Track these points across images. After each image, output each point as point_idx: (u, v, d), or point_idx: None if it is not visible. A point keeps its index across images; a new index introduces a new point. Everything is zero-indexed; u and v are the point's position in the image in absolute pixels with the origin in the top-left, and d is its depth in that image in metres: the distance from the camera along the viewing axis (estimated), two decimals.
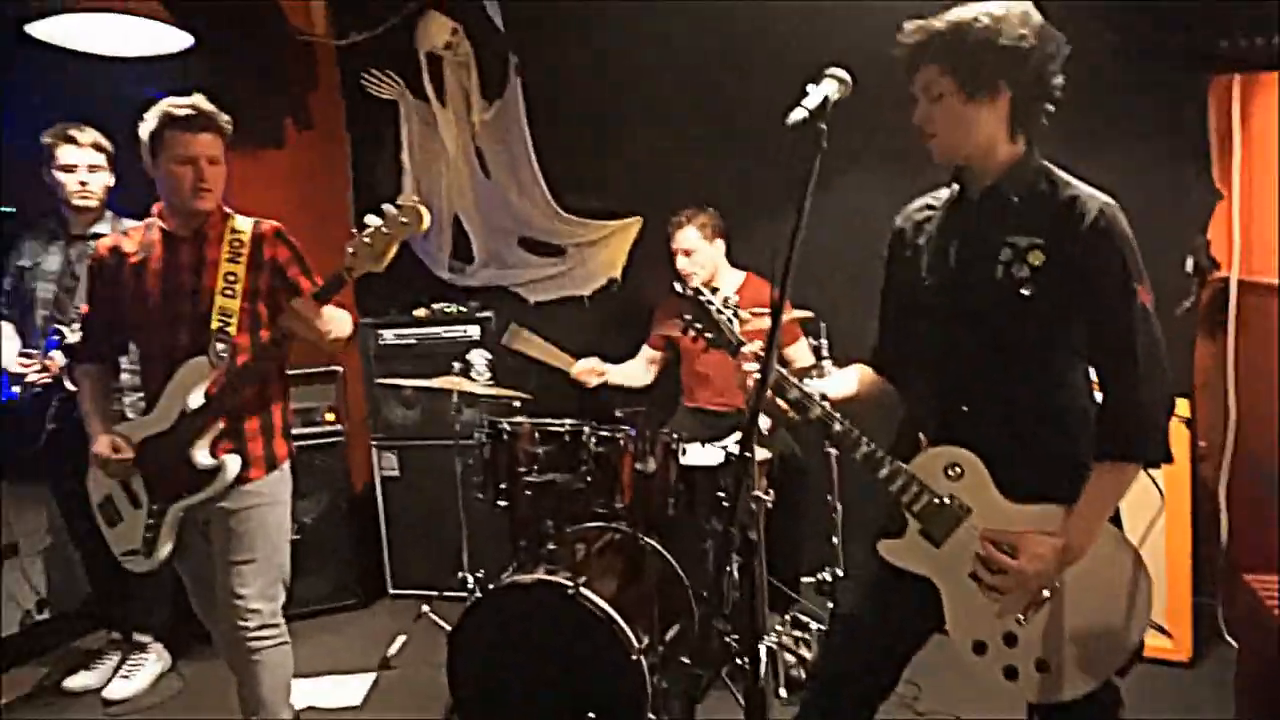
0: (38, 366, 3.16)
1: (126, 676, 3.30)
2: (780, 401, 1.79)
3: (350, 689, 3.22)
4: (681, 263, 3.41)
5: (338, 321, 2.36)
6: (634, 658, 2.42)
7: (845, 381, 1.94)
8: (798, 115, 1.49)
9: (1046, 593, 1.63)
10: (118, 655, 3.40)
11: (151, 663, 3.36)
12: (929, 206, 1.85)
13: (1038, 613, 1.64)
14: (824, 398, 1.85)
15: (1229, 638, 3.07)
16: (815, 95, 1.52)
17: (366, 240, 2.21)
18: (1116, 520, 1.67)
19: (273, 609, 2.45)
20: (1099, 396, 1.66)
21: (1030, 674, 1.64)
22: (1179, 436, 2.81)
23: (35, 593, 3.91)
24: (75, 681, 3.34)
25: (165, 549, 2.42)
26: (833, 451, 3.10)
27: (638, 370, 3.68)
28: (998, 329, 1.68)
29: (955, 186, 1.78)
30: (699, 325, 1.88)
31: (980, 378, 1.71)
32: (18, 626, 3.86)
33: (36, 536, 3.96)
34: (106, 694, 3.24)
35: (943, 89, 1.65)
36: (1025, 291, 1.62)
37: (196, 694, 3.28)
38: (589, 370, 3.46)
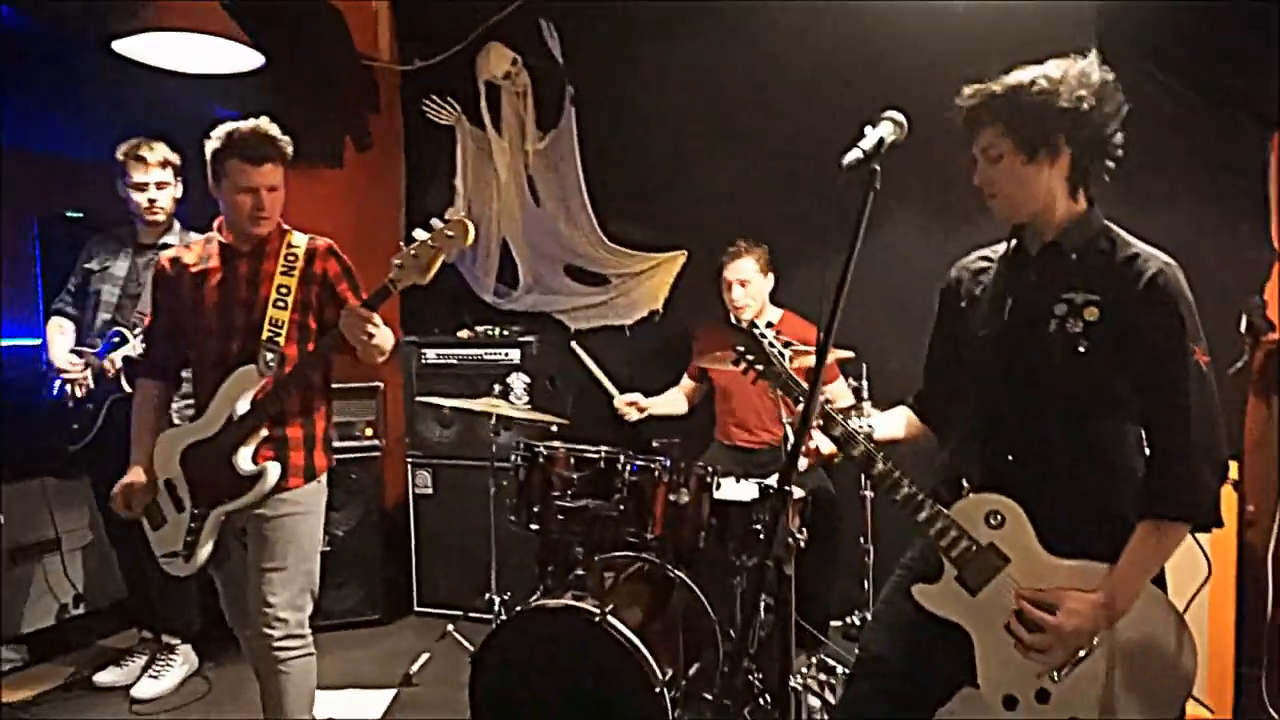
0: (82, 366, 3.26)
1: (155, 676, 3.34)
2: (824, 437, 1.79)
3: (370, 703, 3.23)
4: (737, 293, 3.41)
5: (383, 333, 2.40)
6: (656, 690, 2.39)
7: (892, 422, 1.94)
8: (853, 156, 1.50)
9: (1083, 651, 1.60)
10: (147, 655, 3.45)
11: (179, 664, 3.40)
12: (985, 259, 1.86)
13: (1073, 670, 1.60)
14: (869, 436, 1.84)
15: (1273, 710, 2.96)
16: (871, 137, 1.53)
17: (413, 253, 2.26)
18: (1161, 583, 1.64)
19: (299, 619, 2.47)
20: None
21: None
22: (1227, 500, 2.74)
23: (73, 587, 3.99)
24: (105, 677, 3.39)
25: (204, 553, 2.46)
26: (868, 494, 3.07)
27: (677, 399, 3.69)
28: (1049, 383, 1.67)
29: (1013, 241, 1.79)
30: (751, 357, 1.89)
31: (1028, 429, 1.70)
32: (53, 619, 3.94)
33: (78, 533, 4.05)
34: (134, 692, 3.28)
35: (1002, 150, 1.66)
36: (1079, 347, 1.61)
37: (221, 697, 3.30)
38: (631, 404, 3.46)
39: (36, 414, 3.59)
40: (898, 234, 3.45)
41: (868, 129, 1.55)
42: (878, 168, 1.51)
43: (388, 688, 3.34)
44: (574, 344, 3.58)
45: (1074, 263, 1.67)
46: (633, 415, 3.45)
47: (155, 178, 3.24)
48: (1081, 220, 1.68)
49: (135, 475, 2.47)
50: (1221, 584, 2.79)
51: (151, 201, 3.24)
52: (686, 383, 3.73)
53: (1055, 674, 1.61)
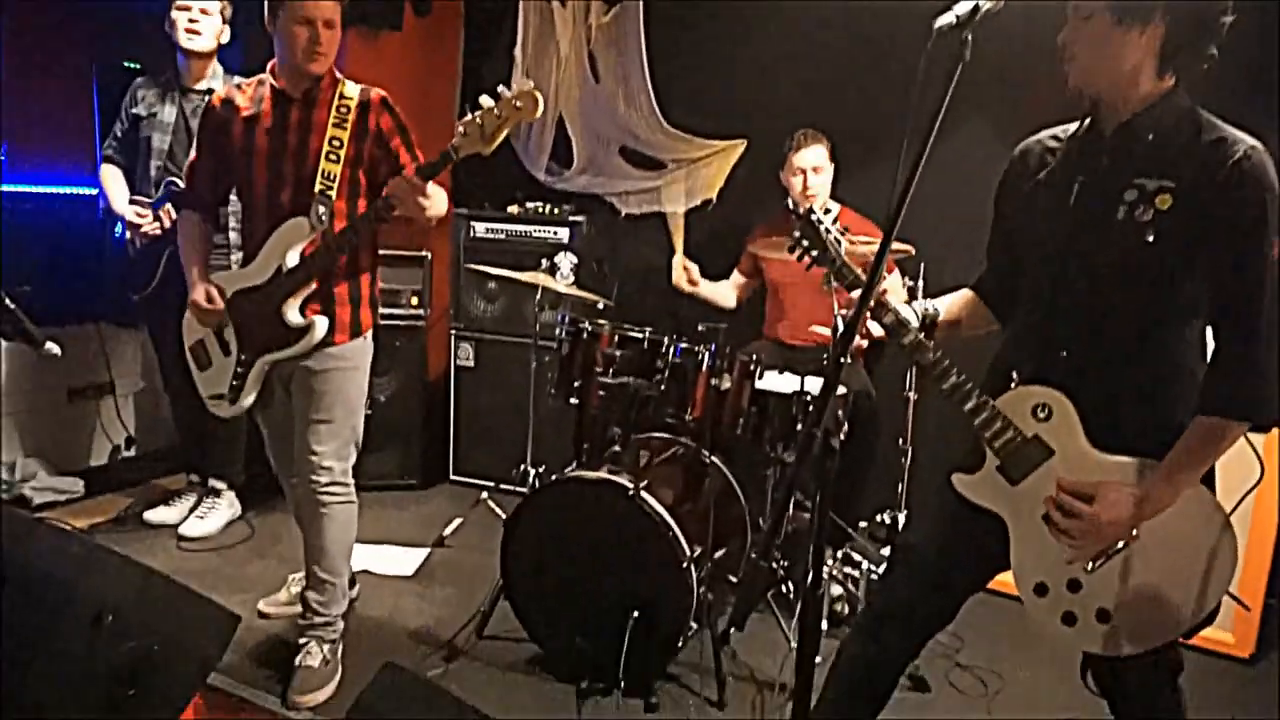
0: (151, 218, 3.28)
1: (201, 517, 3.48)
2: (875, 324, 1.75)
3: (404, 560, 3.34)
4: (812, 180, 3.31)
5: (437, 199, 2.38)
6: (684, 565, 2.44)
7: (955, 305, 1.90)
8: (946, 20, 1.41)
9: (1121, 544, 1.58)
10: (194, 497, 3.59)
11: (224, 508, 3.54)
12: (1055, 139, 1.75)
13: (1108, 562, 1.59)
14: (933, 319, 1.81)
15: None
16: (967, 2, 1.43)
17: (478, 121, 2.22)
18: (1210, 482, 1.60)
19: (344, 468, 2.53)
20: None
21: (1089, 623, 1.60)
22: None
23: (125, 430, 4.15)
24: (155, 515, 3.54)
25: (249, 398, 2.52)
26: (911, 395, 3.03)
27: (727, 292, 3.64)
28: (1112, 275, 1.59)
29: (1086, 120, 1.68)
30: (806, 243, 1.85)
31: (1086, 324, 1.64)
32: (106, 459, 4.11)
33: (131, 379, 4.18)
34: (182, 530, 3.43)
35: (1093, 8, 1.54)
36: (1148, 237, 1.53)
37: (263, 543, 3.45)
38: (689, 271, 3.40)
39: (94, 261, 3.66)
40: (965, 142, 3.31)
41: None
42: (969, 37, 1.42)
43: (421, 547, 3.46)
44: (669, 198, 3.49)
45: (1151, 145, 1.57)
46: (683, 282, 3.41)
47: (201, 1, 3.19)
48: (1164, 100, 1.57)
49: (198, 294, 2.50)
50: (1268, 502, 2.74)
51: (192, 22, 3.18)
52: (737, 278, 3.67)
53: (1088, 564, 1.59)
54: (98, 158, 3.53)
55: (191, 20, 3.19)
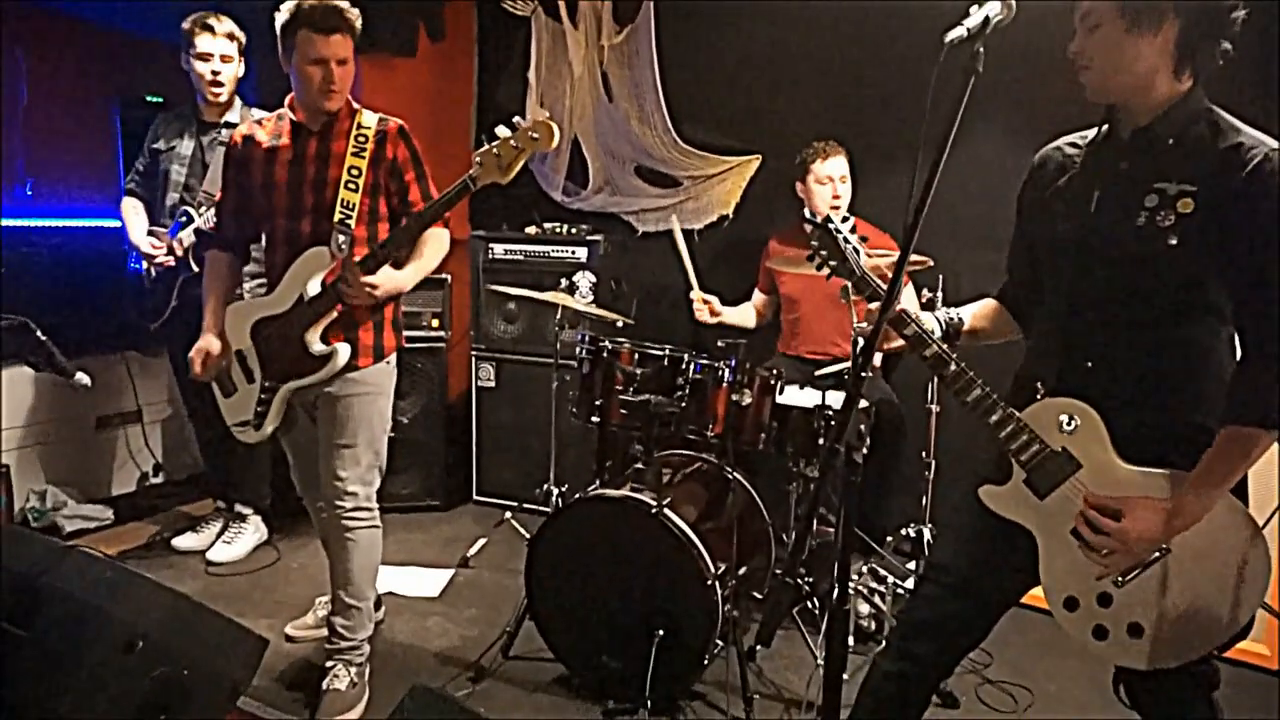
0: (165, 249, 3.34)
1: (228, 542, 3.51)
2: (896, 336, 1.75)
3: (429, 581, 3.35)
4: (840, 190, 3.32)
5: (389, 285, 2.41)
6: (709, 582, 2.43)
7: (979, 314, 1.89)
8: (957, 33, 1.41)
9: (1153, 557, 1.56)
10: (220, 523, 3.63)
11: (250, 533, 3.57)
12: (1073, 145, 1.74)
13: (1139, 576, 1.57)
14: (958, 329, 1.80)
15: None
16: (978, 14, 1.44)
17: (495, 152, 2.25)
18: (1243, 493, 1.57)
19: (368, 493, 2.55)
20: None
21: (1120, 637, 1.58)
22: None
23: (153, 456, 4.20)
24: (183, 542, 3.57)
25: (273, 424, 2.55)
26: (933, 408, 3.02)
27: (748, 312, 3.65)
28: (1134, 281, 1.58)
29: (1104, 126, 1.68)
30: (824, 253, 1.85)
31: (1109, 332, 1.62)
32: (134, 486, 4.16)
33: (158, 406, 4.24)
34: (210, 555, 3.47)
35: (1101, 17, 1.54)
36: (1170, 240, 1.52)
37: (290, 566, 3.47)
38: (708, 304, 3.40)
39: (119, 292, 3.72)
40: (980, 151, 3.31)
41: (973, 8, 1.46)
42: (981, 49, 1.42)
43: (446, 568, 3.47)
44: (674, 220, 3.50)
45: (1170, 149, 1.55)
46: (705, 315, 3.41)
47: (220, 49, 3.24)
48: (1182, 102, 1.55)
49: (209, 341, 2.54)
50: None
51: (215, 74, 3.25)
52: (758, 296, 3.68)
53: (1119, 578, 1.58)
54: (120, 190, 3.59)
55: (214, 73, 3.25)
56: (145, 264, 3.39)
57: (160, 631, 2.01)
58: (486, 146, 2.25)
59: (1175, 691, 1.68)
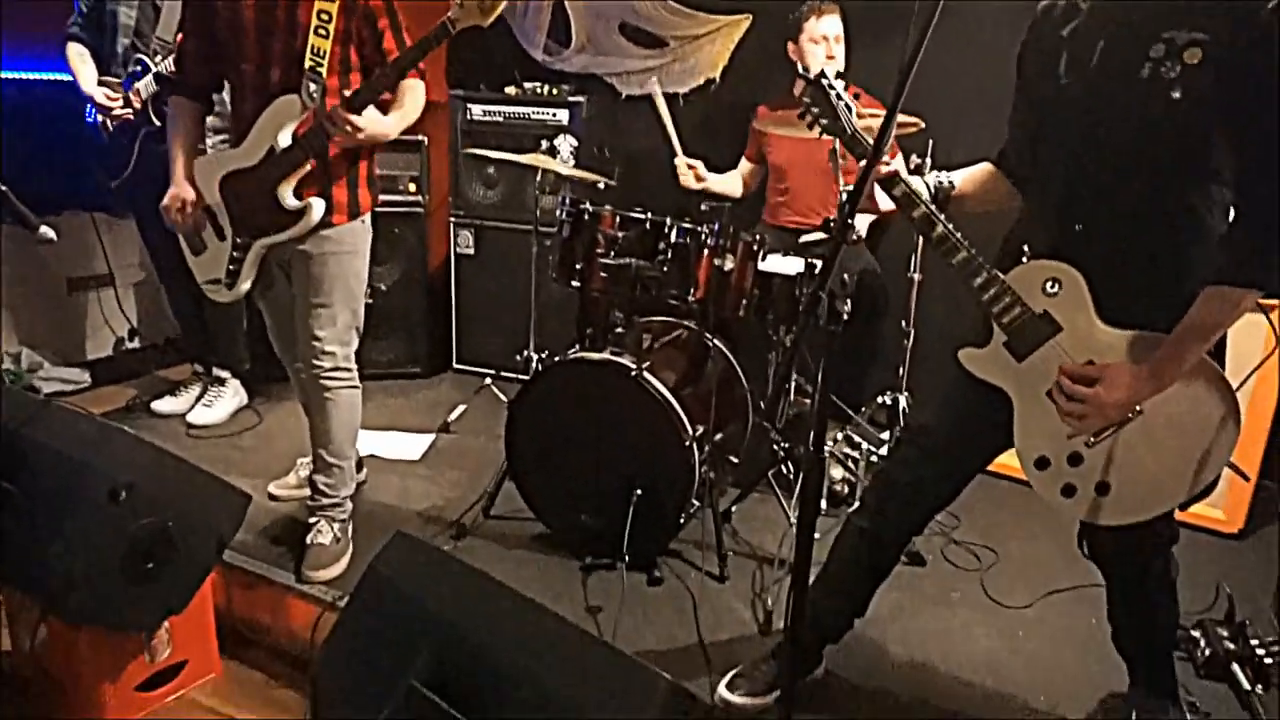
0: (121, 101, 3.17)
1: (208, 405, 3.51)
2: (885, 196, 1.72)
3: (410, 445, 3.39)
4: (834, 51, 3.20)
5: (375, 129, 2.34)
6: (686, 444, 2.47)
7: (972, 178, 1.85)
8: None
9: (1129, 416, 1.57)
10: (199, 387, 3.61)
11: (229, 396, 3.57)
12: None
13: (1109, 437, 1.60)
14: (948, 192, 1.77)
15: None
16: None
17: None
18: (1220, 356, 1.58)
19: (346, 353, 2.53)
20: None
21: (1088, 494, 1.62)
22: None
23: (128, 321, 4.15)
24: (162, 405, 3.57)
25: (246, 283, 2.50)
26: (915, 276, 3.01)
27: (734, 181, 3.58)
28: (1134, 139, 1.53)
29: None
30: (817, 110, 1.79)
31: (1102, 195, 1.59)
32: (110, 350, 4.12)
33: (131, 269, 4.15)
34: (190, 418, 3.47)
35: None
36: (1174, 94, 1.46)
37: (271, 429, 3.49)
38: (693, 169, 3.32)
39: (77, 147, 3.57)
40: (978, 12, 3.18)
41: None
42: None
43: (427, 432, 3.50)
44: (654, 84, 3.37)
45: None
46: (690, 181, 3.33)
47: None
48: None
49: (183, 189, 2.46)
50: (1269, 382, 2.75)
51: None
52: (745, 165, 3.60)
53: (1090, 438, 1.60)
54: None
55: None
56: (101, 117, 3.24)
57: (145, 483, 2.02)
58: None
59: (1136, 546, 1.74)
